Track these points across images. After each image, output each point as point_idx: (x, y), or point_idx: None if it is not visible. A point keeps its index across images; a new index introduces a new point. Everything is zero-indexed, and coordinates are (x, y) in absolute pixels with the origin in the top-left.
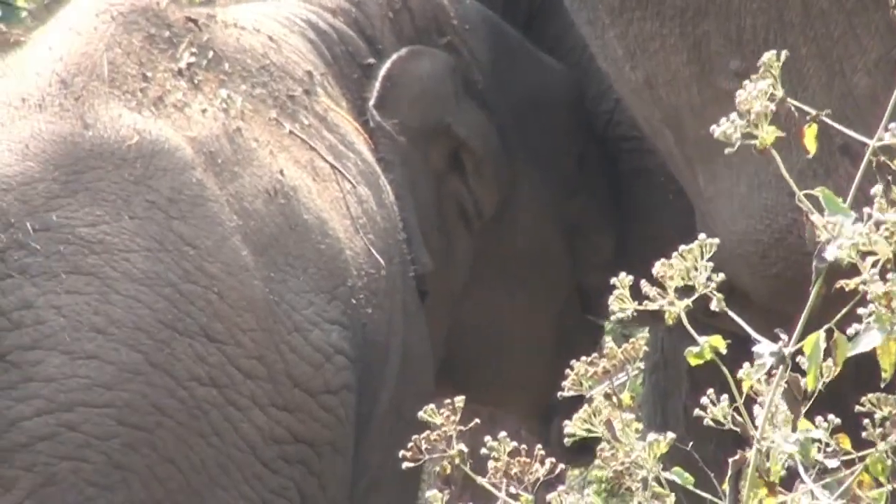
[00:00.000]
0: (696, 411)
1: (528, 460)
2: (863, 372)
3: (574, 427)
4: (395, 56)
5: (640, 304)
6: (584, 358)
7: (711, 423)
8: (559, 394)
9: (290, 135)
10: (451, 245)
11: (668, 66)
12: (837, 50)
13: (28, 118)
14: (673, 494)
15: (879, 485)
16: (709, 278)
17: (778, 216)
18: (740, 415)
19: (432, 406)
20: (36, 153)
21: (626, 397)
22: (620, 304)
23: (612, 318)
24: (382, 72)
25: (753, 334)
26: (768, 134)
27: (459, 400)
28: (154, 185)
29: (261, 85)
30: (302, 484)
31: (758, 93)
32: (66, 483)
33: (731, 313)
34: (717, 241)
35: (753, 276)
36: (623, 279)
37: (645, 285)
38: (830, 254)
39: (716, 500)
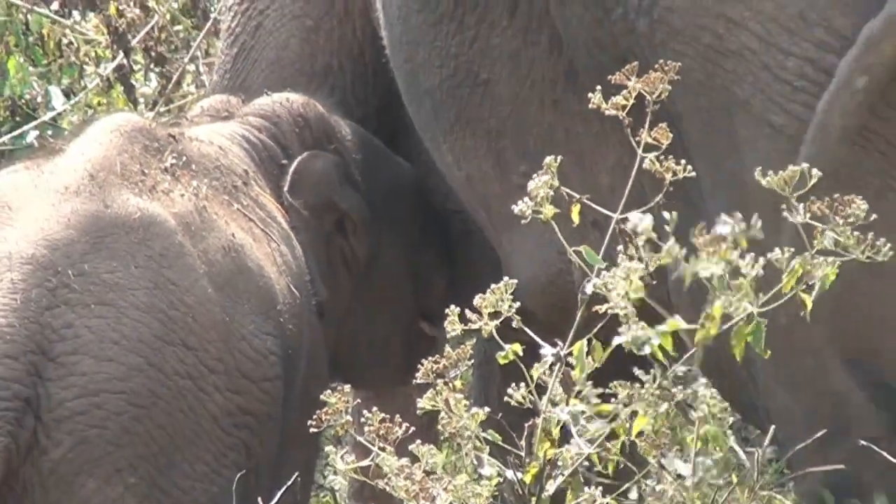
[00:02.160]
0: (508, 392)
1: (391, 424)
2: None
3: (424, 403)
4: (299, 157)
5: (465, 325)
6: (430, 358)
7: (515, 403)
8: (413, 381)
9: (237, 211)
10: (337, 282)
11: (479, 168)
12: (588, 158)
13: (69, 201)
14: (488, 448)
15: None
16: (510, 306)
17: (552, 266)
18: (532, 395)
19: (329, 390)
20: (74, 224)
21: (458, 384)
22: (452, 325)
23: (449, 334)
24: (292, 168)
25: (540, 342)
26: (549, 210)
27: (346, 387)
28: (151, 245)
29: (216, 178)
30: (248, 441)
31: (541, 183)
32: (94, 443)
33: (525, 329)
34: (515, 281)
35: (537, 305)
36: (453, 310)
37: (468, 312)
38: (589, 289)
39: (518, 451)
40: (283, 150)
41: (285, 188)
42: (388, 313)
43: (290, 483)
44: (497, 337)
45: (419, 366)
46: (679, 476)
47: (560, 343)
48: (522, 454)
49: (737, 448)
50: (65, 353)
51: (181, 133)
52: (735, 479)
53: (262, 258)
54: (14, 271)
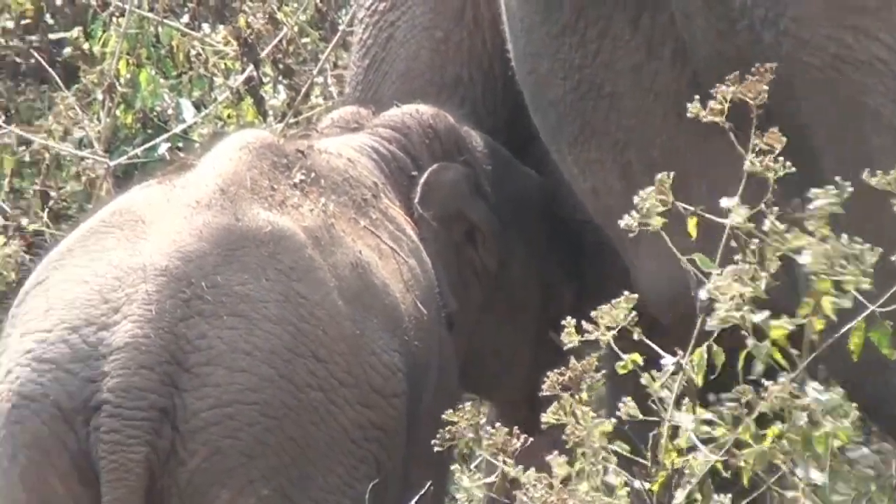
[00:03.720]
0: (619, 408)
1: (510, 438)
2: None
3: (548, 417)
4: (430, 169)
5: (582, 336)
6: (555, 370)
7: (626, 416)
8: (540, 393)
9: (364, 227)
10: (467, 293)
11: (605, 180)
12: (712, 170)
13: (201, 214)
14: (615, 458)
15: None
16: (628, 318)
17: (679, 278)
18: (656, 405)
19: (452, 410)
20: (207, 237)
21: (584, 395)
22: (569, 337)
23: (567, 346)
24: (422, 180)
25: (660, 351)
26: (658, 221)
27: (470, 405)
28: (281, 258)
29: (344, 193)
30: (378, 455)
31: (649, 195)
32: (227, 453)
33: (646, 339)
34: (636, 296)
35: (666, 316)
36: (569, 321)
37: (586, 324)
38: (703, 295)
39: (644, 461)
40: (413, 161)
41: (415, 200)
42: (517, 324)
43: (421, 493)
44: (615, 347)
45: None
46: (812, 483)
47: (680, 352)
48: (648, 464)
49: (872, 455)
50: (199, 364)
51: (310, 147)
52: (874, 487)
53: (389, 275)
54: (148, 283)
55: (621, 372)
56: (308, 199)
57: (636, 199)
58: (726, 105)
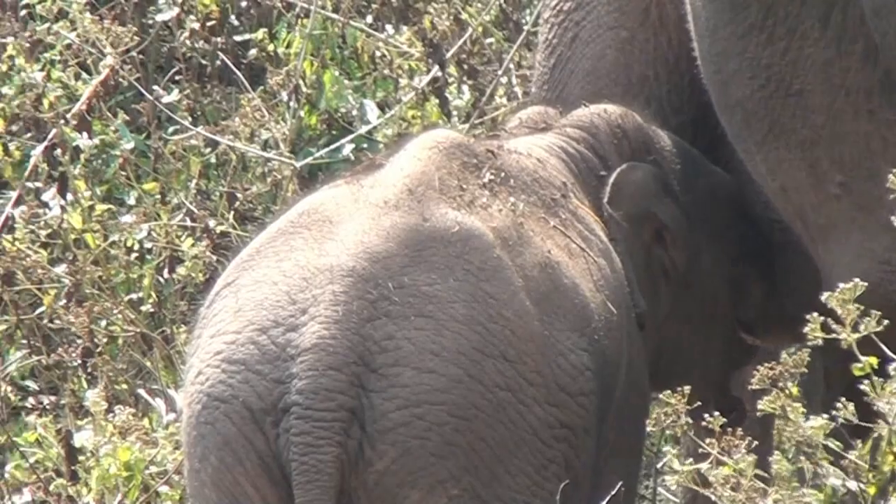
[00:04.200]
0: (837, 406)
1: (732, 438)
2: None
3: (765, 405)
4: (619, 169)
5: (827, 334)
6: (766, 364)
7: (843, 419)
8: (749, 387)
9: (554, 227)
10: (656, 292)
11: (794, 178)
12: None
13: (389, 214)
14: (827, 458)
15: None
16: (878, 321)
17: (871, 276)
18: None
19: (668, 391)
20: (394, 237)
21: (794, 390)
22: (814, 333)
23: (809, 342)
24: (611, 180)
25: (892, 355)
26: None
27: (686, 388)
28: (469, 258)
29: (534, 193)
30: (567, 454)
31: None
32: (416, 454)
33: (880, 343)
34: (865, 284)
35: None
36: (815, 317)
37: (830, 322)
38: None
39: (859, 462)
40: (602, 161)
41: (604, 200)
42: (706, 323)
43: (613, 493)
44: (855, 349)
45: (740, 374)
46: None
47: None
48: (864, 465)
49: None
50: (386, 365)
51: (500, 147)
52: None
53: (579, 275)
54: (336, 283)
55: (858, 374)
56: (497, 198)
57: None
58: None
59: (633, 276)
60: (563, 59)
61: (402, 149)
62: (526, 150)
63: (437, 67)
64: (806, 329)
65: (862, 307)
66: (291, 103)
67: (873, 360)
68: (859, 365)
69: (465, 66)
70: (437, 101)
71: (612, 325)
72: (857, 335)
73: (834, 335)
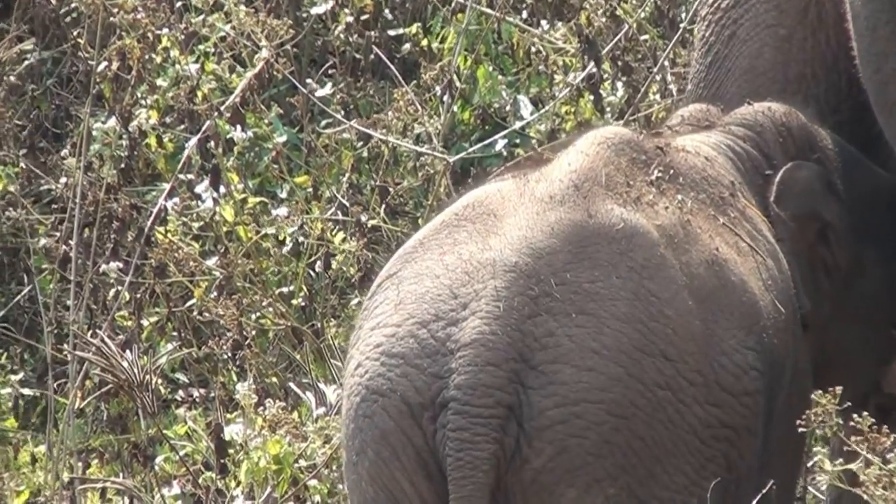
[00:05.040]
0: None
1: (878, 434)
2: None
3: None
4: (784, 168)
5: None
6: None
7: None
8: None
9: (722, 225)
10: (819, 292)
11: None
12: None
13: (554, 210)
14: None
15: None
16: None
17: None
18: None
19: (820, 391)
20: (558, 233)
21: None
22: None
23: None
24: (777, 179)
25: None
26: None
27: (838, 389)
28: (633, 256)
29: (703, 191)
30: (727, 453)
31: None
32: (573, 452)
33: None
34: None
35: None
36: None
37: None
38: None
39: None
40: (767, 160)
41: (771, 199)
42: (867, 323)
43: (764, 491)
44: None
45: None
46: None
47: None
48: None
49: None
50: (546, 362)
51: (668, 144)
52: None
53: (747, 273)
54: (497, 279)
55: None
56: (664, 196)
57: None
58: None
59: (797, 276)
60: (720, 57)
61: (571, 144)
62: (694, 149)
63: (591, 64)
64: None
65: None
66: (445, 98)
67: None
68: None
69: (620, 63)
70: (591, 97)
71: (780, 326)
72: None
73: None
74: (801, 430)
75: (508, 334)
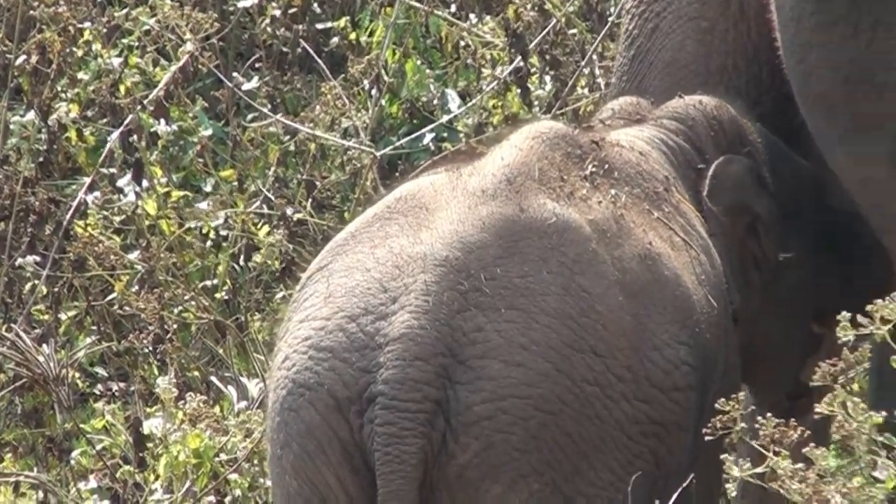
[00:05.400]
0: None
1: (785, 429)
2: None
3: (822, 407)
4: (717, 162)
5: (857, 331)
6: (828, 360)
7: None
8: (811, 383)
9: (657, 219)
10: (749, 286)
11: (876, 171)
12: None
13: (486, 204)
14: (884, 451)
15: None
16: None
17: None
18: None
19: (723, 399)
20: (489, 227)
21: (855, 387)
22: (844, 330)
23: (842, 339)
24: (710, 173)
25: None
26: None
27: (741, 394)
28: (564, 251)
29: (637, 186)
30: (655, 449)
31: None
32: (499, 448)
33: None
34: None
35: None
36: (844, 315)
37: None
38: None
39: None
40: (699, 153)
41: (704, 193)
42: (792, 316)
43: (685, 484)
44: (891, 341)
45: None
46: None
47: None
48: None
49: None
50: (474, 357)
51: (603, 139)
52: None
53: (681, 268)
54: (427, 273)
55: (895, 367)
56: (598, 191)
57: None
58: None
59: (728, 271)
60: (643, 50)
61: (506, 138)
62: (628, 143)
63: (519, 57)
64: (838, 328)
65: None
66: (373, 92)
67: None
68: (895, 357)
69: (548, 57)
70: (518, 91)
71: (713, 321)
72: (887, 327)
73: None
74: (706, 438)
75: (437, 329)
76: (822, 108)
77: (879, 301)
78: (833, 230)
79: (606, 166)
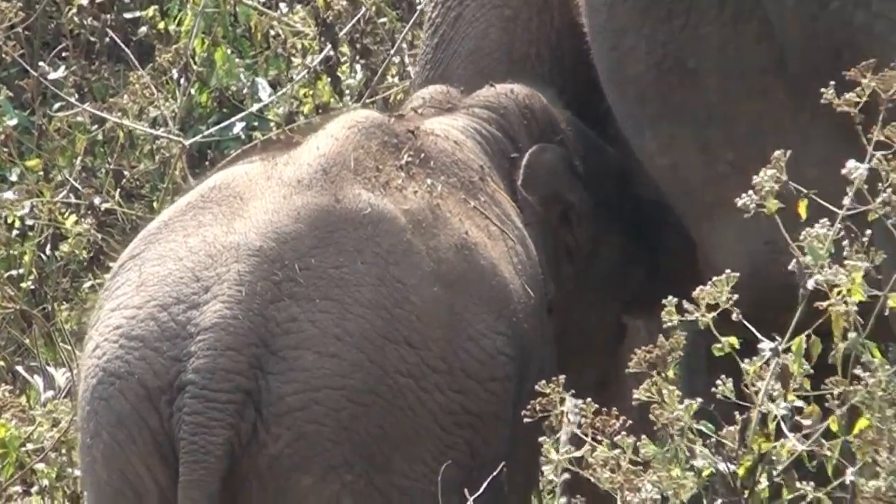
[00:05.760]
0: (717, 384)
1: (607, 417)
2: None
3: (640, 394)
4: (530, 151)
5: (682, 316)
6: (643, 347)
7: (723, 397)
8: (626, 370)
9: (473, 209)
10: (562, 275)
11: (684, 156)
12: (796, 150)
13: (301, 194)
14: (700, 439)
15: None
16: (729, 299)
17: (755, 258)
18: (748, 389)
19: (544, 381)
20: (304, 217)
21: (671, 374)
22: (669, 316)
23: (666, 325)
24: (524, 162)
25: (759, 336)
26: (773, 205)
27: (560, 378)
28: (379, 241)
29: (453, 175)
30: (471, 440)
31: (768, 177)
32: (311, 439)
33: (745, 322)
34: (737, 275)
35: (742, 291)
36: (671, 300)
37: (686, 304)
38: (811, 285)
39: (729, 444)
40: (513, 142)
41: (518, 182)
42: (604, 304)
43: (495, 474)
44: (714, 329)
45: (632, 356)
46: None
47: (778, 338)
48: (734, 446)
49: None
50: (287, 347)
51: (419, 128)
52: None
53: (497, 257)
54: (241, 262)
55: (717, 354)
56: (414, 180)
57: (755, 179)
58: (864, 98)
59: (544, 260)
60: (447, 39)
61: (322, 127)
62: (443, 132)
63: (329, 46)
64: (663, 313)
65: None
66: (182, 81)
67: (733, 341)
68: (718, 346)
69: (358, 46)
70: (329, 80)
71: (530, 310)
72: (712, 314)
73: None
74: (526, 420)
75: (250, 319)
76: (633, 93)
77: (708, 287)
78: (639, 219)
79: (422, 156)
